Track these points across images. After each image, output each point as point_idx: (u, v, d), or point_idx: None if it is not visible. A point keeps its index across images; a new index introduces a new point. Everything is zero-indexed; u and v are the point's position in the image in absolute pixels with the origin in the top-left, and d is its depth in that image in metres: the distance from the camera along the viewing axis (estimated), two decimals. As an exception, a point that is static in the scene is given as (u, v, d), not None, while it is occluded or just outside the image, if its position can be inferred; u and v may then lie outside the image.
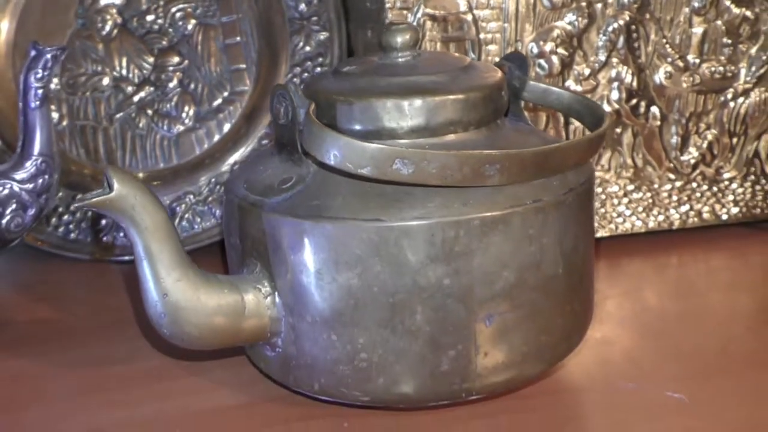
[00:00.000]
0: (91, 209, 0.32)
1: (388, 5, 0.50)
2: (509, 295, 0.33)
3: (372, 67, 0.37)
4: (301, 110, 0.34)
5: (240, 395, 0.38)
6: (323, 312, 0.33)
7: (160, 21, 0.61)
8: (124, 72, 0.61)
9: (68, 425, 0.36)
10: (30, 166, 0.48)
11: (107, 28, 0.60)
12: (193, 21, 0.61)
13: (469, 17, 0.51)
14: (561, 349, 0.36)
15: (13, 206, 0.47)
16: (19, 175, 0.48)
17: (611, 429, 0.36)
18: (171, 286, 0.32)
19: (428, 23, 0.51)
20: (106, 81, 0.60)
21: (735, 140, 0.59)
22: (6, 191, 0.47)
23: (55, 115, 0.60)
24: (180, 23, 0.61)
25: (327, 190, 0.33)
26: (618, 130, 0.56)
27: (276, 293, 0.34)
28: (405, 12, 0.50)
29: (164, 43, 0.61)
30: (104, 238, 0.59)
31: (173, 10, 0.61)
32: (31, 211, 0.48)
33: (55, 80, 0.60)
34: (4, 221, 0.47)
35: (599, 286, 0.52)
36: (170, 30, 0.61)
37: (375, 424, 0.35)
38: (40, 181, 0.48)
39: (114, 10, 0.60)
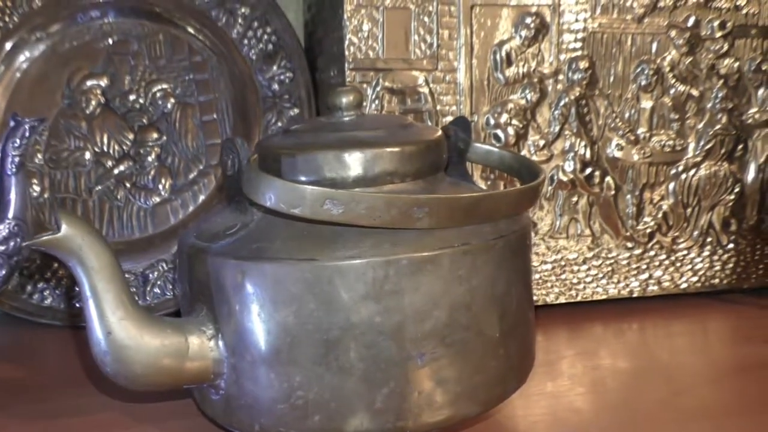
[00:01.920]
0: (40, 248, 0.34)
1: (348, 79, 0.53)
2: (440, 334, 0.34)
3: (318, 125, 0.40)
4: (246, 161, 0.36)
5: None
6: (262, 350, 0.34)
7: (141, 100, 0.64)
8: (105, 147, 0.64)
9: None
10: (3, 229, 0.50)
11: (91, 107, 0.64)
12: (172, 100, 0.64)
13: (426, 90, 0.55)
14: (496, 393, 0.37)
15: (-15, 267, 0.49)
16: (-7, 237, 0.50)
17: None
18: (115, 325, 0.34)
19: (387, 96, 0.54)
20: (87, 156, 0.63)
21: (689, 211, 0.61)
22: (-21, 252, 0.49)
23: (37, 189, 0.62)
24: (160, 102, 0.64)
25: (268, 234, 0.35)
26: (574, 199, 0.59)
27: (219, 335, 0.35)
28: (365, 86, 0.54)
29: (144, 120, 0.64)
30: (77, 305, 0.61)
31: (154, 89, 0.64)
32: (2, 272, 0.50)
33: (39, 156, 0.63)
34: (-25, 281, 0.49)
35: (557, 348, 0.53)
36: (150, 108, 0.64)
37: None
38: (12, 243, 0.50)
39: (98, 91, 0.64)
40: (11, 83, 0.62)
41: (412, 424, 0.35)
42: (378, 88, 0.54)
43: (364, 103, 0.53)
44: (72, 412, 0.43)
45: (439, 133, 0.40)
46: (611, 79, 0.58)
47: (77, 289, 0.60)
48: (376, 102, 0.53)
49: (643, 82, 0.59)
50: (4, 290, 0.60)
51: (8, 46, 0.62)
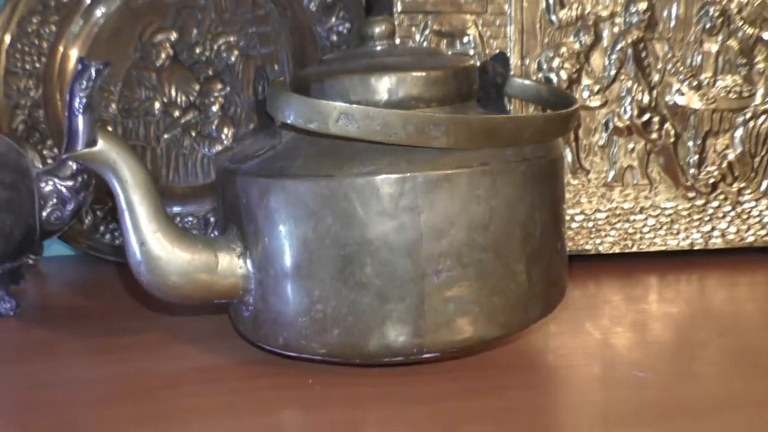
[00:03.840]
0: (78, 161, 0.36)
1: (397, 23, 0.54)
2: (457, 252, 0.35)
3: (349, 54, 0.41)
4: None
5: (219, 358, 0.40)
6: (284, 266, 0.36)
7: (207, 53, 0.67)
8: (173, 98, 0.67)
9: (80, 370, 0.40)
10: (71, 165, 0.53)
11: (161, 59, 0.67)
12: (236, 52, 0.67)
13: (475, 33, 0.54)
14: (517, 317, 0.37)
15: (54, 201, 0.53)
16: (61, 173, 0.53)
17: (569, 401, 0.36)
18: (149, 237, 0.36)
19: (435, 39, 0.54)
20: (156, 106, 0.66)
21: (757, 161, 0.58)
22: (49, 187, 0.53)
23: (111, 137, 0.66)
24: (224, 54, 0.67)
25: (291, 154, 0.36)
26: (630, 146, 0.57)
27: (247, 252, 0.37)
28: (413, 29, 0.54)
29: (209, 72, 0.67)
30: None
31: (219, 42, 0.67)
32: (70, 206, 0.53)
33: (113, 105, 0.66)
34: (45, 213, 0.53)
35: (604, 294, 0.52)
36: (215, 60, 0.67)
37: (337, 382, 0.37)
38: (79, 179, 0.53)
39: (168, 44, 0.67)
40: (89, 37, 0.66)
41: (429, 341, 0.35)
42: (426, 32, 0.54)
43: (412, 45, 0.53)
44: (128, 333, 0.46)
45: (471, 61, 0.40)
46: (672, 21, 0.56)
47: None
48: (425, 45, 0.54)
49: (708, 25, 0.56)
50: (81, 230, 0.64)
51: (87, 1, 0.65)
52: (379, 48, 0.40)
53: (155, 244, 0.36)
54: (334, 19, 0.65)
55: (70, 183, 0.53)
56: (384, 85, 0.37)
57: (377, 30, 0.40)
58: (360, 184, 0.34)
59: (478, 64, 0.43)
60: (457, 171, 0.34)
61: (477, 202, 0.35)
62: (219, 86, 0.67)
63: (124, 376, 0.39)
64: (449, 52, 0.54)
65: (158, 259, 0.36)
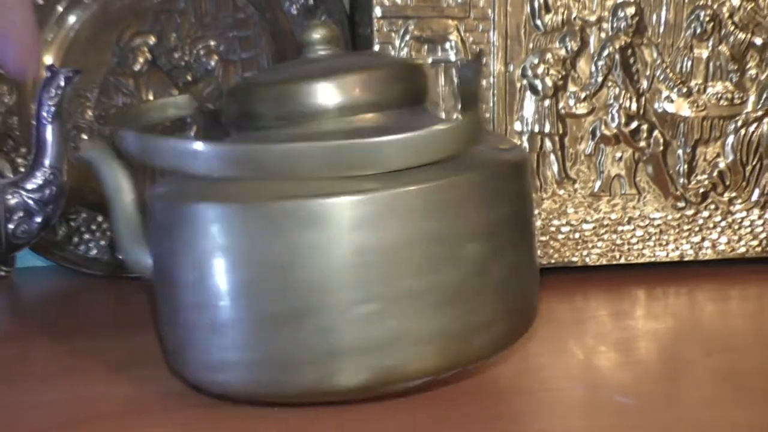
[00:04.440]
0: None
1: (376, 28, 0.52)
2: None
3: (287, 64, 0.40)
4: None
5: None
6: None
7: (186, 58, 0.65)
8: (150, 104, 0.65)
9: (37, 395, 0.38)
10: (39, 176, 0.52)
11: (138, 64, 0.65)
12: (215, 57, 0.65)
13: (457, 39, 0.53)
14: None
15: (21, 214, 0.51)
16: (29, 185, 0.52)
17: (545, 426, 0.34)
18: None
19: (415, 45, 0.52)
20: (134, 112, 0.65)
21: (749, 169, 0.57)
22: (15, 199, 0.51)
23: (87, 144, 0.64)
24: (204, 59, 0.65)
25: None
26: (618, 155, 0.55)
27: None
28: (392, 34, 0.52)
29: (188, 77, 0.65)
30: (119, 257, 0.62)
31: (199, 47, 0.65)
32: (38, 219, 0.52)
33: (89, 112, 0.65)
34: (11, 226, 0.51)
35: (589, 308, 0.50)
36: (195, 65, 0.65)
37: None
38: (47, 191, 0.52)
39: (146, 49, 0.65)
40: (65, 42, 0.64)
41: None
42: (407, 37, 0.52)
43: (391, 53, 0.51)
44: (94, 352, 0.44)
45: (416, 63, 0.39)
46: (661, 27, 0.54)
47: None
48: (405, 51, 0.52)
49: (698, 30, 0.55)
50: (54, 241, 0.62)
51: (60, 7, 0.64)
52: (320, 54, 0.38)
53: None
54: (315, 24, 0.64)
55: (37, 195, 0.52)
56: (317, 92, 0.35)
57: (315, 36, 0.39)
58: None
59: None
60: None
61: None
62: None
63: (82, 402, 0.37)
64: (430, 59, 0.52)
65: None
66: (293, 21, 0.64)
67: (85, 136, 0.64)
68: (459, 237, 0.32)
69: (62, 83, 0.51)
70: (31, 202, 0.51)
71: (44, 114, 0.51)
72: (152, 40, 0.65)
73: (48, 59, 0.64)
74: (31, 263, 0.65)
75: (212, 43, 0.65)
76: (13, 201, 0.51)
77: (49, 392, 0.38)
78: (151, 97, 0.65)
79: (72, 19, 0.64)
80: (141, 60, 0.65)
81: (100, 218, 0.63)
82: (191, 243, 0.33)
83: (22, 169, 0.62)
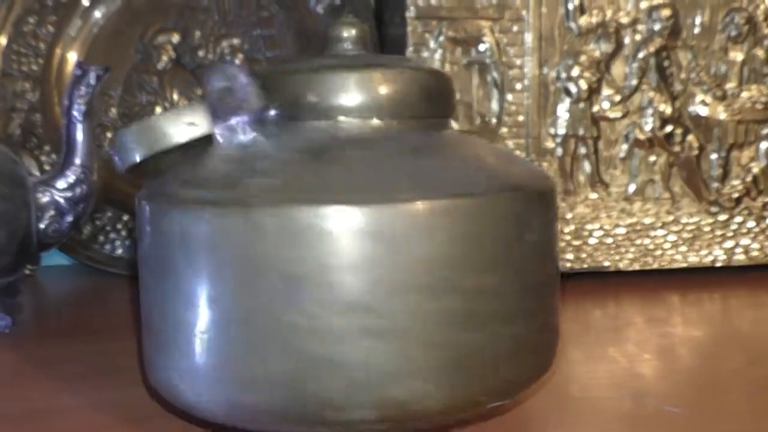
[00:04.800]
0: None
1: (409, 29, 0.51)
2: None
3: (312, 57, 0.35)
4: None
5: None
6: None
7: (210, 56, 0.64)
8: (174, 102, 0.64)
9: (77, 397, 0.37)
10: (70, 175, 0.51)
11: (162, 62, 0.64)
12: (240, 55, 0.64)
13: (491, 40, 0.52)
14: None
15: (52, 212, 0.51)
16: (60, 183, 0.51)
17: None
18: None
19: (449, 46, 0.52)
20: (158, 111, 0.64)
21: (783, 174, 0.56)
22: (46, 198, 0.50)
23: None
24: (228, 58, 0.64)
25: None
26: (652, 159, 0.55)
27: None
28: (426, 35, 0.52)
29: (213, 76, 0.64)
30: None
31: (223, 45, 0.64)
32: (68, 218, 0.51)
33: (113, 110, 0.64)
34: (42, 225, 0.50)
35: (626, 315, 0.50)
36: (218, 64, 0.64)
37: None
38: (78, 190, 0.51)
39: (170, 46, 0.64)
40: (88, 38, 0.64)
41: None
42: (441, 38, 0.52)
43: (425, 54, 0.51)
44: (125, 354, 0.44)
45: (447, 74, 0.35)
46: (696, 29, 0.54)
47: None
48: (439, 52, 0.51)
49: (733, 33, 0.54)
50: (80, 240, 0.62)
51: (86, 1, 0.63)
52: (346, 52, 0.34)
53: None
54: (342, 23, 0.63)
55: (68, 194, 0.51)
56: (338, 87, 0.31)
57: (343, 33, 0.34)
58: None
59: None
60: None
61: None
62: (223, 91, 0.64)
63: (121, 404, 0.36)
64: (464, 61, 0.51)
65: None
66: (319, 20, 0.63)
67: (109, 135, 0.64)
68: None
69: (93, 81, 0.50)
70: (62, 200, 0.50)
71: (75, 112, 0.50)
72: (176, 37, 0.64)
73: (72, 55, 0.63)
74: (54, 261, 0.64)
75: (236, 41, 0.64)
76: (44, 200, 0.50)
77: (91, 394, 0.38)
78: (175, 96, 0.65)
79: (97, 14, 0.63)
80: (165, 58, 0.64)
81: (125, 217, 0.62)
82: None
83: (47, 167, 0.62)
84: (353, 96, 0.31)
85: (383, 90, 0.32)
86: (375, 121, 0.31)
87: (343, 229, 0.27)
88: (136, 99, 0.64)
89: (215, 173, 0.30)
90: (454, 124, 0.38)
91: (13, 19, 0.61)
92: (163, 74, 0.64)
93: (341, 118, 0.31)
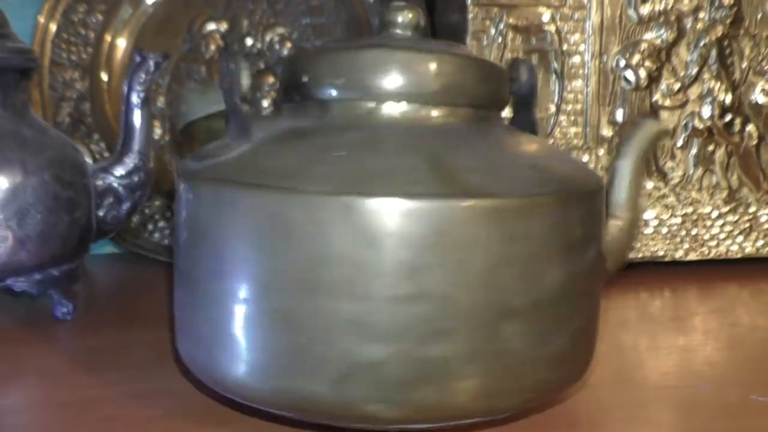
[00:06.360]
0: None
1: (470, 16, 0.51)
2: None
3: (365, 39, 0.36)
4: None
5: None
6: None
7: (258, 45, 0.64)
8: (223, 91, 0.64)
9: (147, 382, 0.37)
10: (128, 162, 0.51)
11: (210, 51, 0.64)
12: (288, 44, 0.64)
13: (552, 28, 0.52)
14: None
15: (110, 199, 0.51)
16: (118, 170, 0.51)
17: (687, 428, 0.33)
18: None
19: (510, 34, 0.51)
20: (206, 99, 0.64)
21: (842, 164, 0.56)
22: (105, 185, 0.50)
23: (158, 131, 0.63)
24: (277, 47, 0.64)
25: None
26: (710, 148, 0.54)
27: None
28: (487, 22, 0.51)
29: (261, 65, 0.64)
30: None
31: (271, 34, 0.64)
32: (126, 205, 0.51)
33: (161, 98, 0.64)
34: (101, 212, 0.50)
35: (686, 305, 0.49)
36: (267, 53, 0.64)
37: None
38: (136, 178, 0.51)
39: (218, 35, 0.64)
40: (137, 27, 0.63)
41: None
42: (501, 26, 0.51)
43: (484, 42, 0.50)
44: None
45: (500, 66, 0.34)
46: (759, 17, 0.53)
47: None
48: (499, 40, 0.51)
49: (795, 21, 0.53)
50: (129, 228, 0.61)
51: (137, -11, 0.63)
52: (399, 36, 0.34)
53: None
54: (393, 11, 0.63)
55: (126, 181, 0.51)
56: (391, 71, 0.31)
57: (398, 18, 0.34)
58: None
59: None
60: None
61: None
62: (271, 80, 0.64)
63: (172, 395, 0.36)
64: (534, 58, 0.51)
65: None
66: (369, 9, 0.63)
67: (157, 123, 0.63)
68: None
69: (152, 68, 0.50)
70: (120, 188, 0.50)
71: (134, 99, 0.50)
72: (224, 26, 0.64)
73: (121, 42, 0.63)
74: (100, 250, 0.64)
75: (285, 30, 0.64)
76: (103, 186, 0.50)
77: (159, 381, 0.38)
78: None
79: (147, 2, 0.63)
80: (213, 47, 0.64)
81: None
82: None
83: (97, 156, 0.62)
84: (404, 81, 0.31)
85: (437, 77, 0.31)
86: (427, 110, 0.31)
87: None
88: (183, 88, 0.64)
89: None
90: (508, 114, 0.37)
91: (63, 8, 0.61)
92: (211, 63, 0.64)
93: (392, 104, 0.31)
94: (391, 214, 0.27)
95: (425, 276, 0.27)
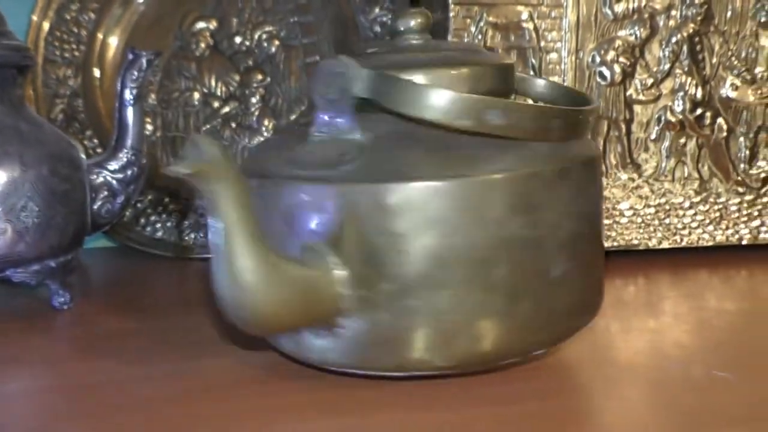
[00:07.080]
0: (184, 176, 0.31)
1: (452, 14, 0.53)
2: (571, 246, 0.35)
3: (388, 48, 0.39)
4: (357, 82, 0.35)
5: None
6: (406, 278, 0.33)
7: (247, 43, 0.66)
8: (212, 89, 0.66)
9: (148, 367, 0.39)
10: (122, 157, 0.52)
11: (200, 48, 0.66)
12: (276, 42, 0.66)
13: (531, 26, 0.54)
14: (597, 306, 0.38)
15: (105, 193, 0.52)
16: (112, 165, 0.52)
17: (656, 402, 0.35)
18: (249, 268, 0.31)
19: (490, 31, 0.53)
20: (196, 96, 0.66)
21: (808, 155, 0.58)
22: (100, 179, 0.52)
23: (150, 127, 0.65)
24: (265, 44, 0.66)
25: (397, 155, 0.34)
26: (682, 141, 0.57)
27: (347, 269, 0.34)
28: (468, 21, 0.53)
29: (250, 62, 0.66)
30: (186, 238, 0.63)
31: (260, 32, 0.66)
32: (120, 199, 0.53)
33: (152, 95, 0.65)
34: (96, 206, 0.52)
35: (658, 290, 0.52)
36: (256, 50, 0.66)
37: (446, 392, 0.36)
38: (129, 172, 0.53)
39: (207, 33, 0.66)
40: (129, 25, 0.65)
41: (546, 338, 0.35)
42: (481, 24, 0.53)
43: (465, 39, 0.53)
44: (183, 330, 0.45)
45: (509, 60, 0.39)
46: (728, 14, 0.56)
47: (186, 223, 0.63)
48: (479, 37, 0.53)
49: (763, 19, 0.56)
50: (122, 222, 0.63)
51: (127, -12, 0.64)
52: (414, 42, 0.38)
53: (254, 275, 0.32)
54: (377, 10, 0.65)
55: (120, 175, 0.53)
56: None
57: (412, 23, 0.38)
58: (495, 183, 0.33)
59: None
60: (570, 164, 0.35)
61: (585, 196, 0.36)
62: (260, 77, 0.66)
63: (192, 374, 0.38)
64: (513, 55, 0.53)
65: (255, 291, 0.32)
66: (355, 7, 0.65)
67: (149, 120, 0.65)
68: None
69: (144, 66, 0.52)
70: (114, 182, 0.52)
71: (127, 96, 0.52)
72: (214, 24, 0.66)
73: (113, 40, 0.65)
74: (94, 244, 0.66)
75: (273, 28, 0.66)
76: (97, 181, 0.52)
77: (161, 365, 0.40)
78: (213, 82, 0.66)
79: (138, 0, 0.64)
80: (203, 44, 0.66)
81: (167, 200, 0.64)
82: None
83: (91, 152, 0.63)
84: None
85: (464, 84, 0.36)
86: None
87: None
88: (174, 85, 0.66)
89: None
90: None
91: (56, 6, 0.63)
92: (201, 60, 0.66)
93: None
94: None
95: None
